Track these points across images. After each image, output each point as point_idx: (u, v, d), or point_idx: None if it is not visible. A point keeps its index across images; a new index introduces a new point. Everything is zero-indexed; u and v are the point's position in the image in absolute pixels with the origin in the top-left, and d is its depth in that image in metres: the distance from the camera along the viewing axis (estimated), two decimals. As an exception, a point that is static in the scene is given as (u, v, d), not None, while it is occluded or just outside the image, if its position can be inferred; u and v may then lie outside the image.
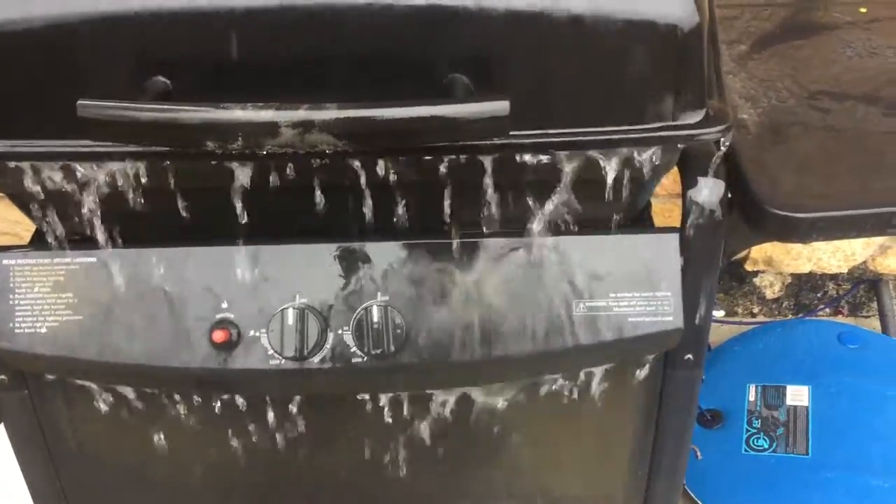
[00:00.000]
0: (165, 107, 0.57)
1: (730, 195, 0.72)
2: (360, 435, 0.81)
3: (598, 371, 0.78)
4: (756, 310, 1.59)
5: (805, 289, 1.56)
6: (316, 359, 0.72)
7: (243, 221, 0.69)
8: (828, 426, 1.25)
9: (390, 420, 0.79)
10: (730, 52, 0.94)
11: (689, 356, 0.77)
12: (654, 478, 0.87)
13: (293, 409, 0.78)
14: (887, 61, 0.92)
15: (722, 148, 0.66)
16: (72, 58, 0.61)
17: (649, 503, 0.89)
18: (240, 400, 0.77)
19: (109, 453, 0.84)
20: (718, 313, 1.55)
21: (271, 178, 0.66)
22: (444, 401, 0.78)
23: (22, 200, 0.71)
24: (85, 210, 0.69)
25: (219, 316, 0.71)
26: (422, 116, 0.57)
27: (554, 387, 0.78)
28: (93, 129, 0.58)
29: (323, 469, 0.85)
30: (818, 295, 1.57)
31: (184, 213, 0.69)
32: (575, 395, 0.79)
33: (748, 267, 1.51)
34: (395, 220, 0.71)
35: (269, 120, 0.56)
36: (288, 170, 0.65)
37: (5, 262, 0.72)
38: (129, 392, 0.77)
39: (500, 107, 0.57)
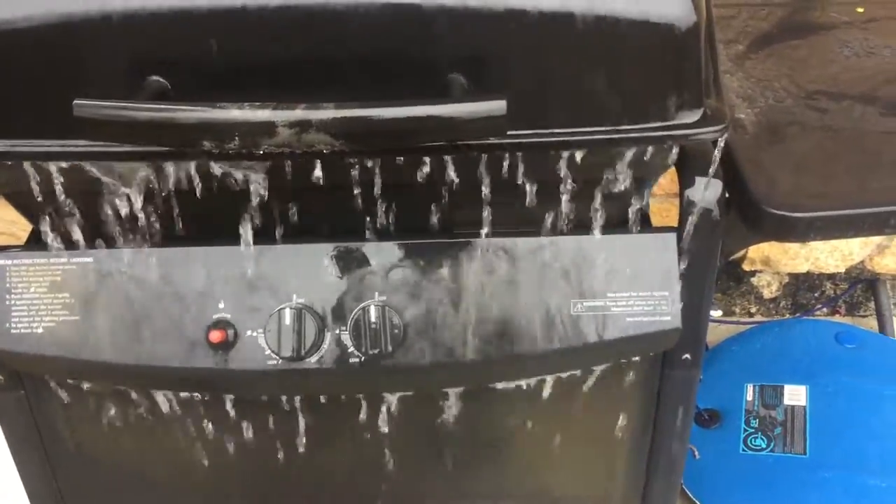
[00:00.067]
0: (162, 106, 0.57)
1: (727, 195, 0.72)
2: (357, 435, 0.81)
3: (596, 371, 0.78)
4: (753, 309, 1.59)
5: (802, 288, 1.56)
6: (313, 359, 0.72)
7: (240, 221, 0.69)
8: (825, 426, 1.25)
9: (387, 420, 0.79)
10: (727, 52, 0.94)
11: (687, 356, 0.77)
12: (651, 477, 0.87)
13: (290, 409, 0.78)
14: (884, 61, 0.92)
15: (718, 147, 0.66)
16: (69, 57, 0.60)
17: (647, 503, 0.89)
18: (237, 400, 0.77)
19: (106, 454, 0.83)
20: (716, 313, 1.55)
21: (268, 179, 0.66)
22: (442, 401, 0.78)
23: (18, 200, 0.71)
24: (81, 210, 0.69)
25: (215, 316, 0.71)
26: (419, 116, 0.57)
27: (552, 386, 0.78)
28: (89, 129, 0.58)
29: (320, 469, 0.84)
30: (815, 294, 1.57)
31: (180, 214, 0.69)
32: (573, 395, 0.79)
33: (746, 266, 1.51)
34: (392, 220, 0.71)
35: (265, 119, 0.56)
36: (285, 170, 0.65)
37: (1, 262, 0.71)
38: (125, 392, 0.77)
39: (497, 106, 0.57)
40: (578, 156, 0.65)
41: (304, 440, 0.80)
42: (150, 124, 0.57)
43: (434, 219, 0.71)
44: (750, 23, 1.01)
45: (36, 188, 0.66)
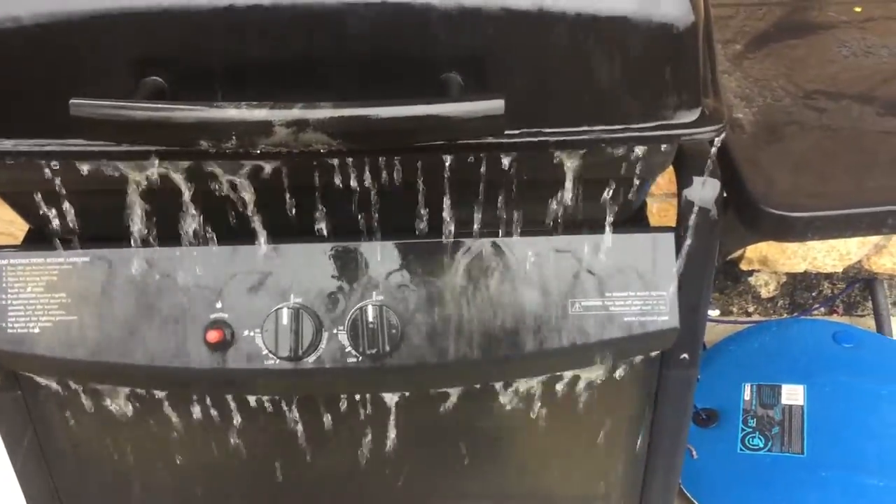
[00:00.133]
0: (159, 106, 0.57)
1: (725, 194, 0.72)
2: (355, 435, 0.81)
3: (594, 370, 0.78)
4: (751, 309, 1.59)
5: (800, 288, 1.56)
6: (311, 359, 0.72)
7: (237, 221, 0.69)
8: (823, 425, 1.25)
9: (386, 420, 0.79)
10: (725, 52, 0.94)
11: (685, 355, 0.77)
12: (649, 477, 0.87)
13: (288, 409, 0.78)
14: (882, 60, 0.92)
15: (714, 147, 0.66)
16: (66, 56, 0.60)
17: (645, 502, 0.89)
18: (234, 400, 0.77)
19: (103, 453, 0.83)
20: (714, 312, 1.55)
21: (265, 178, 0.65)
22: (439, 401, 0.78)
23: (15, 200, 0.71)
24: (78, 210, 0.69)
25: (213, 316, 0.71)
26: (417, 115, 0.57)
27: (550, 386, 0.78)
28: (86, 128, 0.57)
29: (318, 470, 0.84)
30: (813, 294, 1.57)
31: (178, 214, 0.68)
32: (571, 395, 0.79)
33: (743, 266, 1.51)
34: (390, 219, 0.71)
35: (262, 119, 0.56)
36: (282, 169, 0.65)
37: (-2, 261, 0.71)
38: (122, 392, 0.77)
39: (495, 105, 0.57)
40: (576, 155, 0.65)
41: (301, 440, 0.80)
42: (147, 124, 0.57)
43: (431, 218, 0.71)
44: (748, 22, 1.01)
45: (33, 188, 0.66)
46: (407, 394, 0.78)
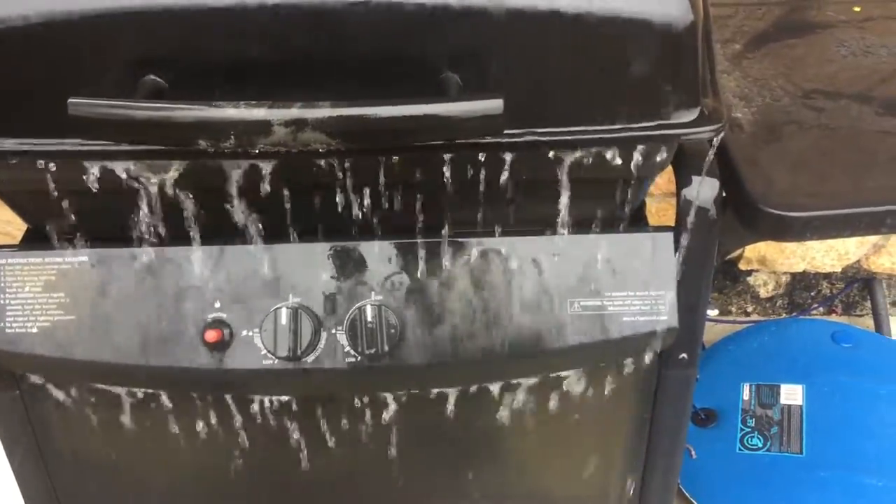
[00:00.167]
0: (157, 105, 0.57)
1: (724, 194, 0.72)
2: (354, 434, 0.80)
3: (593, 370, 0.78)
4: (750, 309, 1.59)
5: (799, 288, 1.56)
6: (309, 359, 0.72)
7: (236, 221, 0.69)
8: (822, 425, 1.25)
9: (384, 420, 0.79)
10: (724, 51, 0.94)
11: (684, 355, 0.77)
12: (648, 477, 0.87)
13: (286, 409, 0.78)
14: (881, 60, 0.92)
15: (713, 146, 0.66)
16: (64, 55, 0.60)
17: (644, 502, 0.89)
18: (233, 400, 0.77)
19: (101, 453, 0.83)
20: (712, 312, 1.55)
21: (264, 177, 0.65)
22: (438, 401, 0.78)
23: (13, 199, 0.71)
24: (76, 209, 0.69)
25: (211, 316, 0.71)
26: (415, 115, 0.57)
27: (548, 386, 0.78)
28: (84, 128, 0.57)
29: (317, 469, 0.84)
30: (812, 294, 1.57)
31: (177, 213, 0.68)
32: (570, 395, 0.79)
33: (742, 266, 1.51)
34: (388, 219, 0.71)
35: (261, 118, 0.56)
36: (281, 169, 0.65)
37: (-4, 261, 0.71)
38: (120, 392, 0.77)
39: (494, 105, 0.57)
40: (575, 155, 0.65)
41: (300, 441, 0.80)
42: (146, 123, 0.57)
43: (430, 218, 0.71)
44: (747, 22, 1.01)
45: (31, 187, 0.66)
46: (405, 394, 0.78)
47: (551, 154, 0.65)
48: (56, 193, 0.66)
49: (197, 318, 0.71)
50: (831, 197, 0.74)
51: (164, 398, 0.77)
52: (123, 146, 0.62)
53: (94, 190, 0.65)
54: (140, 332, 0.71)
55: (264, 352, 0.71)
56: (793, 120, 0.83)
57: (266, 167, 0.65)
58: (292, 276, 0.72)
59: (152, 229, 0.70)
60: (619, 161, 0.66)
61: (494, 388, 0.78)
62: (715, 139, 0.65)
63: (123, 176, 0.65)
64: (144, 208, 0.68)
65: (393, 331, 0.71)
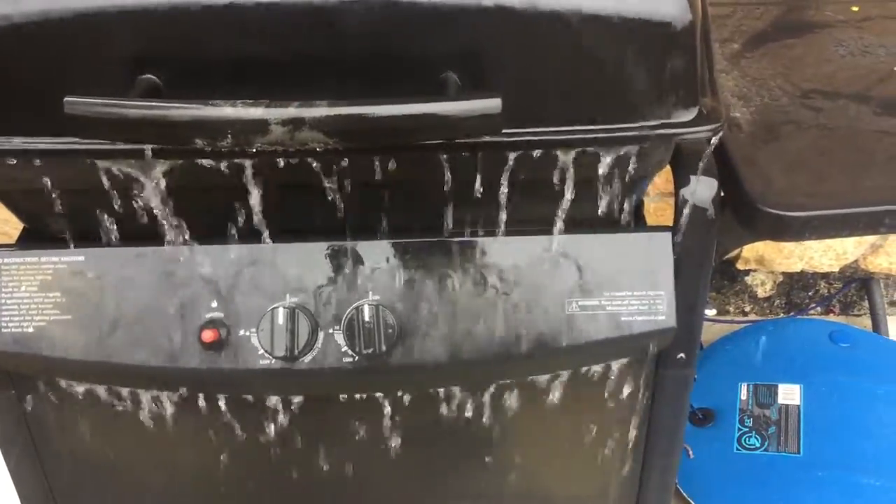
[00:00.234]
0: (153, 104, 0.57)
1: (722, 194, 0.72)
2: (351, 434, 0.80)
3: (591, 370, 0.78)
4: (748, 308, 1.59)
5: (796, 287, 1.56)
6: (307, 359, 0.71)
7: (232, 220, 0.69)
8: (819, 425, 1.25)
9: (381, 420, 0.79)
10: (722, 51, 0.94)
11: (682, 355, 0.77)
12: (646, 476, 0.87)
13: (283, 409, 0.77)
14: (879, 60, 0.92)
15: (710, 146, 0.66)
16: (61, 54, 0.60)
17: (641, 502, 0.89)
18: (229, 400, 0.77)
19: (98, 453, 0.83)
20: (710, 312, 1.55)
21: (261, 177, 0.65)
22: (436, 400, 0.78)
23: (9, 198, 0.71)
24: (73, 208, 0.69)
25: (208, 315, 0.71)
26: (414, 114, 0.57)
27: (547, 386, 0.78)
28: (80, 127, 0.57)
29: (315, 469, 0.84)
30: (809, 294, 1.57)
31: (173, 213, 0.68)
32: (567, 394, 0.79)
33: (740, 266, 1.51)
34: (386, 219, 0.70)
35: (258, 117, 0.55)
36: (278, 168, 0.64)
37: (-8, 260, 0.71)
38: (117, 392, 0.76)
39: (493, 104, 0.57)
40: (573, 154, 0.65)
41: (297, 441, 0.80)
42: (142, 122, 0.57)
43: (428, 218, 0.71)
44: (745, 21, 1.01)
45: (27, 186, 0.66)
46: (403, 394, 0.77)
47: (549, 153, 0.65)
48: (52, 193, 0.66)
49: (193, 318, 0.71)
50: (830, 197, 0.74)
51: (160, 398, 0.77)
52: (120, 145, 0.62)
53: (90, 189, 0.65)
54: (136, 331, 0.71)
55: (261, 352, 0.71)
56: (791, 120, 0.83)
57: (263, 167, 0.64)
58: (289, 275, 0.71)
59: (149, 229, 0.69)
60: (617, 160, 0.66)
61: (491, 387, 0.78)
62: (713, 139, 0.65)
63: (120, 175, 0.65)
64: (140, 207, 0.67)
65: (390, 331, 0.71)
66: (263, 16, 0.59)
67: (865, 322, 1.53)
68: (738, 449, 1.25)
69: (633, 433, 0.83)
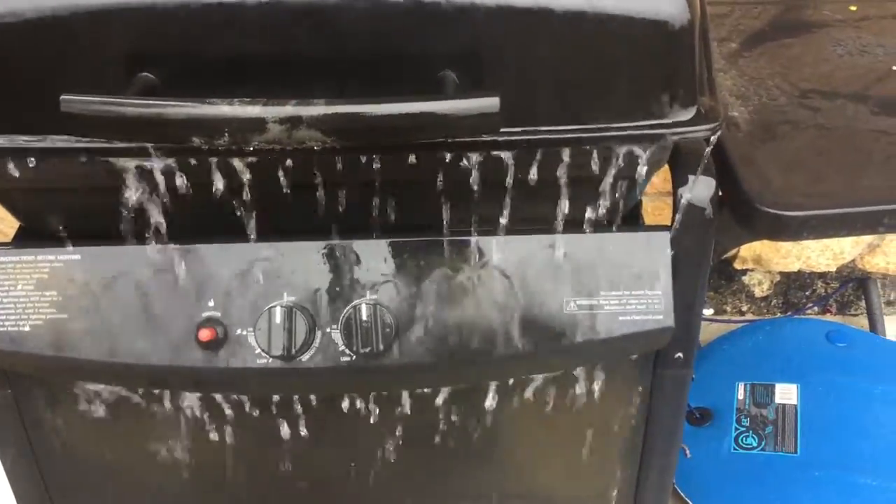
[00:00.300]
0: (150, 102, 0.57)
1: (720, 193, 0.72)
2: (350, 434, 0.80)
3: (588, 370, 0.77)
4: (745, 308, 1.59)
5: (794, 287, 1.56)
6: (304, 358, 0.71)
7: (230, 218, 0.69)
8: (816, 424, 1.25)
9: (380, 419, 0.79)
10: (720, 50, 0.94)
11: (680, 355, 0.77)
12: (643, 476, 0.87)
13: (281, 408, 0.77)
14: (877, 59, 0.92)
15: (709, 145, 0.66)
16: (57, 52, 0.60)
17: (639, 501, 0.89)
18: (227, 399, 0.77)
19: (94, 453, 0.83)
20: (707, 311, 1.55)
21: (259, 176, 0.65)
22: (434, 400, 0.78)
23: (5, 197, 0.71)
24: (69, 207, 0.69)
25: (205, 314, 0.71)
26: (412, 113, 0.57)
27: (544, 385, 0.78)
28: (77, 125, 0.57)
29: (314, 469, 0.84)
30: (807, 293, 1.57)
31: (171, 211, 0.68)
32: (565, 394, 0.79)
33: (737, 265, 1.51)
34: (384, 217, 0.70)
35: (256, 115, 0.55)
36: (275, 167, 0.64)
37: (-12, 259, 0.71)
38: (113, 391, 0.76)
39: (491, 103, 0.57)
40: (571, 153, 0.65)
41: (294, 440, 0.80)
42: (139, 120, 0.56)
43: (426, 217, 0.71)
44: (743, 21, 1.01)
45: (23, 185, 0.66)
46: (401, 393, 0.77)
47: (547, 152, 0.65)
48: (48, 191, 0.66)
49: (190, 317, 0.71)
50: (828, 196, 0.74)
51: (157, 397, 0.77)
52: (117, 143, 0.62)
53: (87, 187, 0.65)
54: (133, 330, 0.71)
55: (258, 351, 0.71)
56: (789, 119, 0.83)
57: (260, 165, 0.64)
58: (287, 274, 0.71)
59: (145, 227, 0.69)
60: (615, 160, 0.66)
61: (489, 387, 0.78)
62: (712, 138, 0.65)
63: (117, 174, 0.64)
64: (138, 206, 0.67)
65: (388, 330, 0.71)
66: (261, 14, 0.59)
67: (862, 322, 1.53)
68: (735, 448, 1.25)
69: (630, 433, 0.83)
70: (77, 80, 0.60)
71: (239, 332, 0.71)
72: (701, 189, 0.70)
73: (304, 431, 0.79)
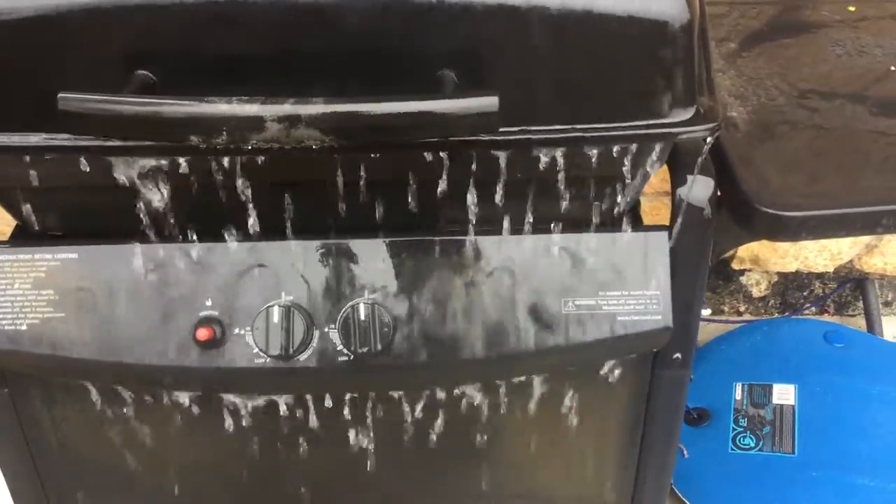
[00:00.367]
0: (148, 100, 0.57)
1: (719, 193, 0.72)
2: (347, 434, 0.80)
3: (587, 370, 0.77)
4: (742, 308, 1.59)
5: (791, 287, 1.56)
6: (302, 357, 0.71)
7: (228, 218, 0.69)
8: (814, 425, 1.25)
9: (378, 419, 0.79)
10: (719, 50, 0.94)
11: (678, 355, 0.77)
12: (641, 476, 0.87)
13: (279, 407, 0.77)
14: (875, 60, 0.92)
15: (707, 145, 0.66)
16: (55, 50, 0.60)
17: (637, 501, 0.89)
18: (224, 399, 0.77)
19: (91, 451, 0.83)
20: (705, 312, 1.55)
21: (257, 174, 0.65)
22: (432, 400, 0.78)
23: (2, 195, 0.70)
24: (67, 206, 0.68)
25: (203, 314, 0.71)
26: (410, 112, 0.57)
27: (542, 385, 0.78)
28: (74, 123, 0.57)
29: (311, 468, 0.84)
30: (804, 294, 1.57)
31: (168, 210, 0.68)
32: (564, 394, 0.79)
33: (735, 265, 1.51)
34: (382, 217, 0.70)
35: (254, 114, 0.55)
36: (274, 166, 0.64)
37: (-15, 258, 0.71)
38: (110, 390, 0.76)
39: (489, 102, 0.56)
40: (570, 153, 0.65)
41: (292, 439, 0.80)
42: (136, 119, 0.56)
43: (424, 216, 0.71)
44: (741, 21, 1.01)
45: (20, 183, 0.65)
46: (399, 393, 0.77)
47: (546, 152, 0.65)
48: (45, 190, 0.66)
49: (188, 316, 0.71)
50: (826, 197, 0.74)
51: (154, 396, 0.76)
52: (114, 142, 0.62)
53: (84, 186, 0.65)
54: (130, 329, 0.71)
55: (256, 350, 0.71)
56: (787, 119, 0.83)
57: (259, 164, 0.64)
58: (285, 273, 0.71)
59: (143, 226, 0.69)
60: (614, 159, 0.66)
61: (487, 387, 0.78)
62: (710, 138, 0.65)
63: (114, 173, 0.64)
64: (136, 205, 0.67)
65: (386, 329, 0.71)
66: (259, 12, 0.58)
67: (860, 322, 1.53)
68: (732, 449, 1.25)
69: (629, 433, 0.83)
70: (75, 79, 0.59)
71: (237, 331, 0.71)
72: (699, 189, 0.70)
73: (301, 431, 0.79)
